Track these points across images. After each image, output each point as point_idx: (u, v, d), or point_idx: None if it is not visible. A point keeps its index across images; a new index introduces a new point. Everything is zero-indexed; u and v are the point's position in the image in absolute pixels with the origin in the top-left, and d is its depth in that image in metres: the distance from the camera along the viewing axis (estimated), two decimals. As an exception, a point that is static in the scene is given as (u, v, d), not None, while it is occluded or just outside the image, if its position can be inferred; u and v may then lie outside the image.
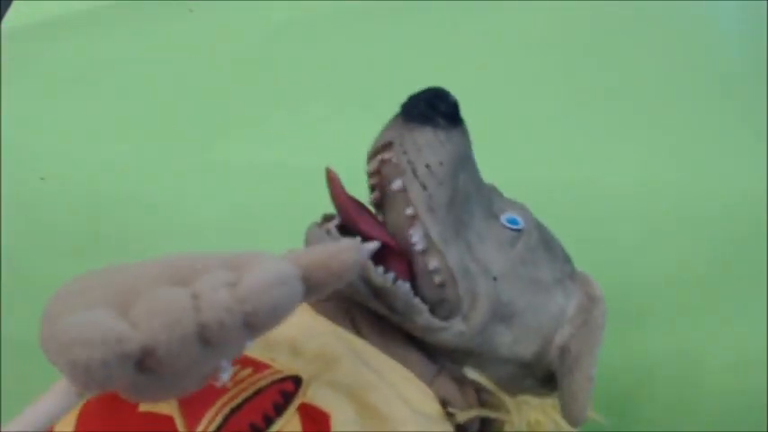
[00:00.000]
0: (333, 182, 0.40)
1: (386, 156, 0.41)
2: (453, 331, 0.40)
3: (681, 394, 0.64)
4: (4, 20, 0.92)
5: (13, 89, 0.80)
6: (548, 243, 0.45)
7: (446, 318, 0.41)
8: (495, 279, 0.41)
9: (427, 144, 0.40)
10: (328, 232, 0.39)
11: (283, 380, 0.36)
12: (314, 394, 0.36)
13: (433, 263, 0.40)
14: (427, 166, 0.40)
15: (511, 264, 0.42)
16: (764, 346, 0.62)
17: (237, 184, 0.75)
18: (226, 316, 0.26)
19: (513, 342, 0.42)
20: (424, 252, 0.40)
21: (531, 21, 0.88)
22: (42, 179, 0.75)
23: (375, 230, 0.40)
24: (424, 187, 0.40)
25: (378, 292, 0.39)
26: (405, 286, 0.39)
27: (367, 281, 0.38)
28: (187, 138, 0.79)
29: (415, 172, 0.40)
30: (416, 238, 0.40)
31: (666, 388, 0.64)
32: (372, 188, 0.43)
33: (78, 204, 0.74)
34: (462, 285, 0.40)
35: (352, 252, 0.30)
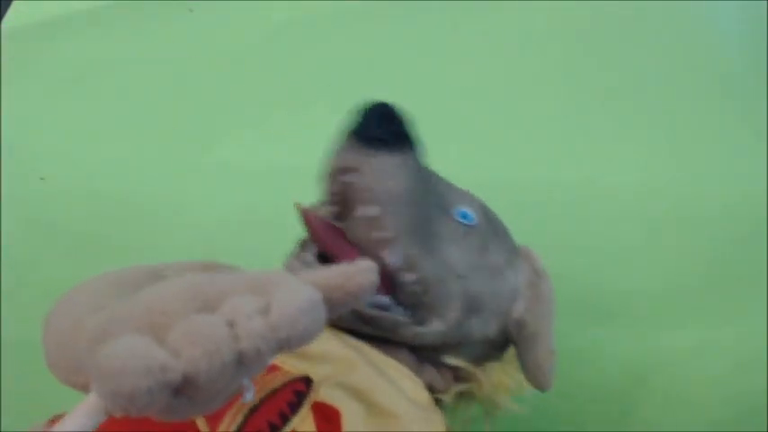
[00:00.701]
0: (306, 216, 0.43)
1: (347, 179, 0.43)
2: (433, 332, 0.44)
3: (680, 395, 0.64)
4: (4, 20, 0.92)
5: (13, 89, 0.80)
6: (494, 227, 0.48)
7: (424, 320, 0.44)
8: (461, 277, 0.44)
9: (386, 169, 0.42)
10: (306, 263, 0.42)
11: (294, 380, 0.38)
12: (325, 393, 0.37)
13: (408, 276, 0.43)
14: (390, 190, 0.42)
15: (471, 258, 0.45)
16: (764, 346, 0.62)
17: (237, 184, 0.75)
18: (262, 344, 0.27)
19: (483, 326, 0.46)
20: (398, 268, 0.43)
21: (531, 21, 0.88)
22: (42, 179, 0.75)
23: (354, 257, 0.42)
24: (390, 211, 0.42)
25: (365, 318, 0.42)
26: (384, 301, 0.42)
27: (353, 310, 0.41)
28: (187, 138, 0.79)
29: (379, 197, 0.42)
30: (391, 258, 0.42)
31: (666, 388, 0.64)
32: (332, 203, 0.45)
33: (78, 204, 0.74)
34: (436, 290, 0.43)
35: (368, 273, 0.31)
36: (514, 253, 0.48)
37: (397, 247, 0.42)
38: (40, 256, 0.71)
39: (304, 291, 0.29)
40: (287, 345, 0.28)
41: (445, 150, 0.66)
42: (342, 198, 0.44)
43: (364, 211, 0.42)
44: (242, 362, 0.27)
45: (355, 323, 0.42)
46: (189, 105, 0.81)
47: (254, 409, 0.35)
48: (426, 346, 0.44)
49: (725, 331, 0.65)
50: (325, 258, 0.42)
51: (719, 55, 0.84)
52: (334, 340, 0.41)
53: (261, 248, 0.69)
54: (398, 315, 0.43)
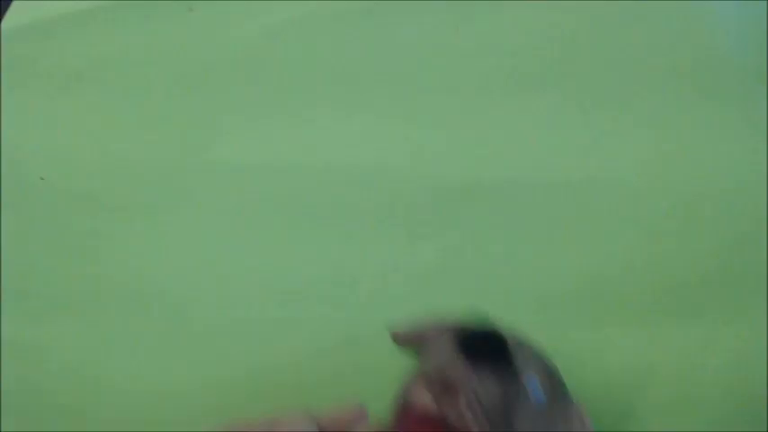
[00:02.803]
0: (406, 410, 0.48)
1: (450, 373, 0.48)
2: None
3: (681, 394, 0.64)
4: (4, 20, 0.92)
5: (13, 89, 0.80)
6: (555, 389, 0.51)
7: None
8: None
9: (488, 378, 0.48)
10: None
11: None
12: None
13: None
14: (488, 392, 0.47)
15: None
16: (764, 346, 0.62)
17: (237, 184, 0.75)
18: None
19: None
20: None
21: (531, 21, 0.88)
22: (42, 179, 0.75)
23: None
24: (485, 412, 0.47)
25: None
26: None
27: None
28: (187, 138, 0.79)
29: (479, 398, 0.47)
30: None
31: (666, 388, 0.64)
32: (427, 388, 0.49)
33: (78, 204, 0.74)
34: None
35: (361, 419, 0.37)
36: (570, 409, 0.52)
37: None
38: (40, 256, 0.71)
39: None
40: None
41: (445, 150, 0.67)
42: (439, 389, 0.48)
43: (460, 406, 0.47)
44: None
45: None
46: (189, 105, 0.81)
47: None
48: None
49: (725, 331, 0.65)
50: None
51: (719, 55, 0.84)
52: None
53: (260, 246, 0.69)
54: None
